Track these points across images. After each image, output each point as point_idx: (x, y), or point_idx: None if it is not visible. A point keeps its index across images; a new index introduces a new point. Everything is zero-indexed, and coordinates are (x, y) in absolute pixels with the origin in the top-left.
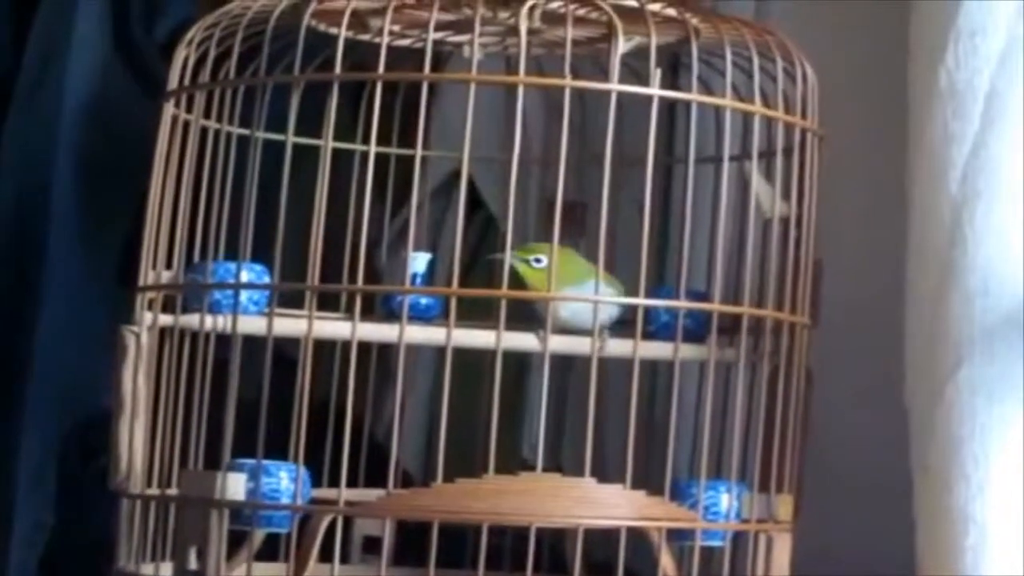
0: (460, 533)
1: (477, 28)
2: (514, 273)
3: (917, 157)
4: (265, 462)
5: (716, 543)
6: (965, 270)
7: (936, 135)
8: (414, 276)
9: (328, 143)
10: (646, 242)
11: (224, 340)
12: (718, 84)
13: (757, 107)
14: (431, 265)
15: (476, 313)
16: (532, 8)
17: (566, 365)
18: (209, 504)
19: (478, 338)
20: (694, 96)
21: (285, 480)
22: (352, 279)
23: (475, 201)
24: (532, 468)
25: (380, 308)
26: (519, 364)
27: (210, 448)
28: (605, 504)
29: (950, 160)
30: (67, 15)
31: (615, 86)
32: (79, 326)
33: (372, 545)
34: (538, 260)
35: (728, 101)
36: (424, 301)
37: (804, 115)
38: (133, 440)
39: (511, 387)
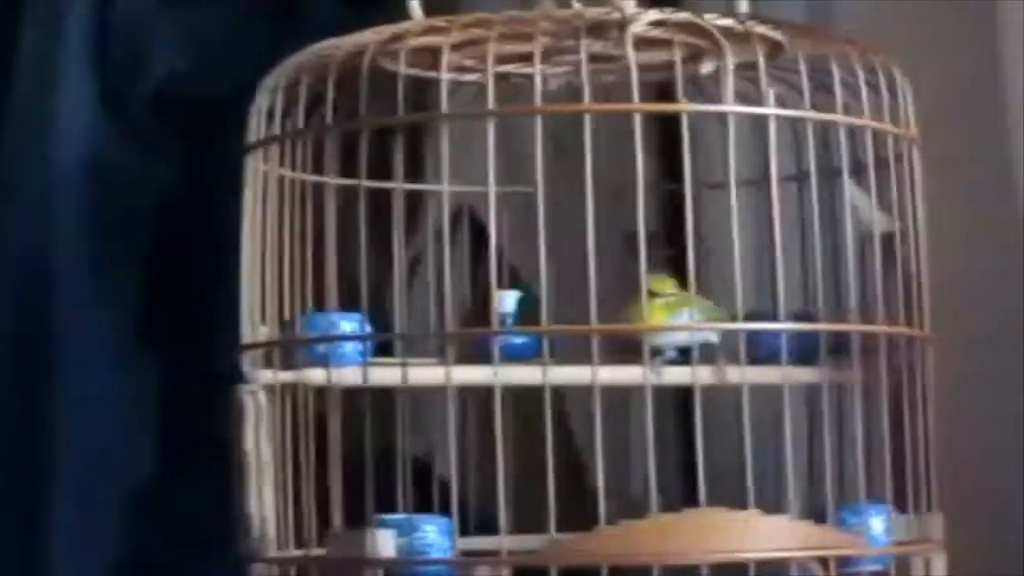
0: None
1: (538, 56)
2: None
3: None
4: (412, 516)
5: (877, 568)
6: None
7: None
8: (504, 316)
9: (400, 185)
10: (738, 266)
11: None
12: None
13: (867, 120)
14: (524, 303)
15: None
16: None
17: (684, 396)
18: (362, 563)
19: (580, 375)
20: (808, 113)
21: (433, 533)
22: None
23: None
24: (644, 507)
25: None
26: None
27: (321, 508)
28: (773, 536)
29: None
30: (48, 77)
31: (731, 107)
32: (101, 392)
33: None
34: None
35: (839, 116)
36: (519, 340)
37: (904, 125)
38: (263, 502)
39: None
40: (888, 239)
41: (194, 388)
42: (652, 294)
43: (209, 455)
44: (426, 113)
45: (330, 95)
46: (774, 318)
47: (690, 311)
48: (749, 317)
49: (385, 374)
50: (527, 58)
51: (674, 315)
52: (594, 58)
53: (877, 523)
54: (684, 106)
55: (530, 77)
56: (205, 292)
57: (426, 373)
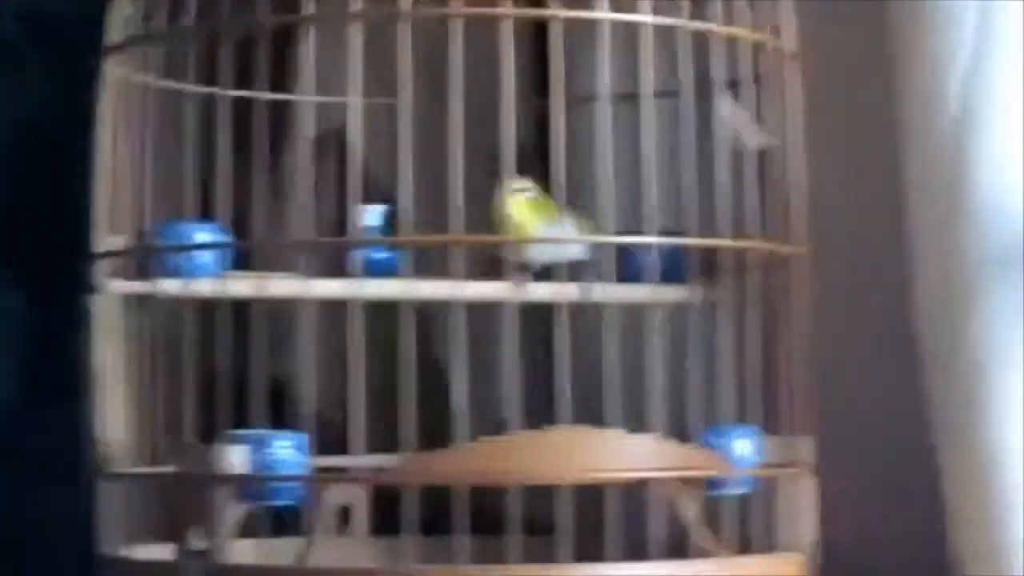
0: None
1: None
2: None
3: (909, 82)
4: (264, 432)
5: (741, 490)
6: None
7: (929, 58)
8: (368, 230)
9: (263, 95)
10: (607, 181)
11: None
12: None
13: (746, 31)
14: (389, 217)
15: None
16: None
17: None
18: (213, 479)
19: (442, 290)
20: (683, 22)
21: (286, 449)
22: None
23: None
24: (507, 427)
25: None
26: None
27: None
28: (641, 456)
29: (946, 83)
30: None
31: (604, 15)
32: None
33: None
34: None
35: (716, 26)
36: (382, 255)
37: (783, 38)
38: (114, 416)
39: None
40: (763, 155)
41: (55, 305)
42: (515, 191)
43: (65, 374)
44: (289, 15)
45: None
46: (644, 234)
47: (558, 224)
48: (619, 233)
49: (241, 286)
50: None
51: (541, 220)
52: None
53: (744, 445)
54: (554, 11)
55: None
56: (67, 202)
57: (283, 286)
